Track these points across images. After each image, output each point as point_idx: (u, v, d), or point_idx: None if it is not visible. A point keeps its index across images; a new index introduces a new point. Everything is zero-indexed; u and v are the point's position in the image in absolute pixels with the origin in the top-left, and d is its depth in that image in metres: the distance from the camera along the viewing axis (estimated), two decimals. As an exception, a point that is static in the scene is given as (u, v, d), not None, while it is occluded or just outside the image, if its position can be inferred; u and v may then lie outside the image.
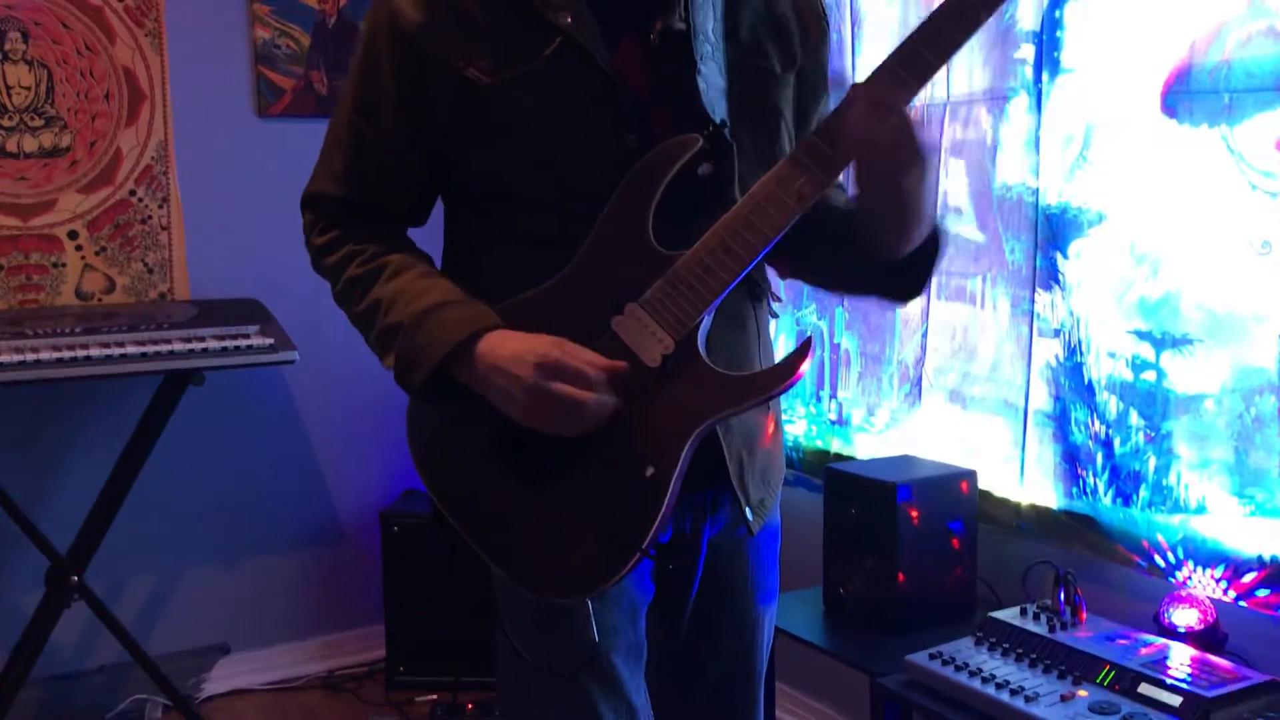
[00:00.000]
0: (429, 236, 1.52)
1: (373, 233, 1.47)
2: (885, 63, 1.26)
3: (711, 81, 1.39)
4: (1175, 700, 1.84)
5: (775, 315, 1.56)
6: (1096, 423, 2.28)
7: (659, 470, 1.31)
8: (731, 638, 1.59)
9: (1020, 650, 2.07)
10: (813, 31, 1.50)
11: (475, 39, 1.36)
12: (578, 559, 1.35)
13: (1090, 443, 2.29)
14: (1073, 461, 2.33)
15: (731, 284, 1.31)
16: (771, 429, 1.56)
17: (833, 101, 1.55)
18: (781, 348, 3.11)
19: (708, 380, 1.33)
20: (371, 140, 1.44)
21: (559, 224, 1.37)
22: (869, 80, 1.27)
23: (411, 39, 1.38)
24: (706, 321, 1.34)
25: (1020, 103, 2.41)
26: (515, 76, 1.35)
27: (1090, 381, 2.29)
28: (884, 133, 1.25)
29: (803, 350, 1.31)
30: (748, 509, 1.48)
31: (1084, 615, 2.14)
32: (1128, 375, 2.22)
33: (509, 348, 1.32)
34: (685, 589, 1.52)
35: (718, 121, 1.38)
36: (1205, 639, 2.03)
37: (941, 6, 1.25)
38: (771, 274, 1.57)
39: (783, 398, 1.51)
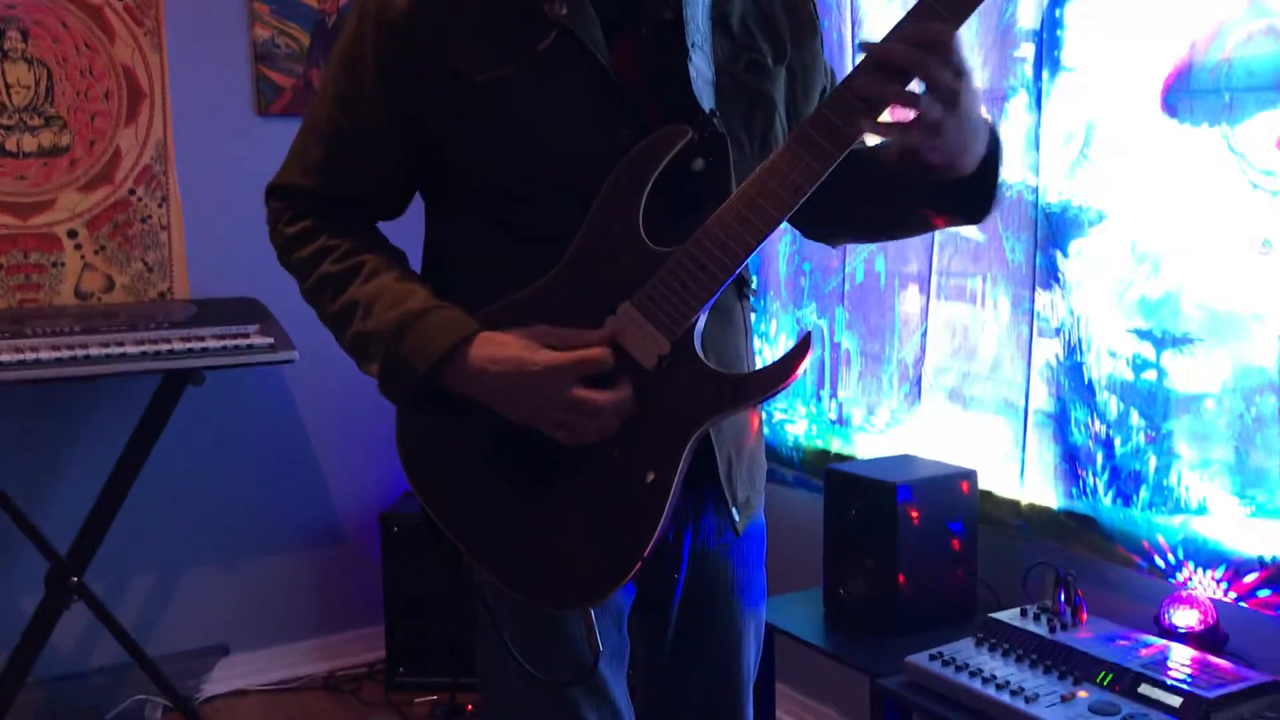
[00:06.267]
0: (409, 231, 1.49)
1: (346, 227, 1.41)
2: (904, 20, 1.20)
3: (701, 71, 1.35)
4: (1175, 701, 1.84)
5: (754, 310, 1.53)
6: (1097, 423, 2.27)
7: (660, 475, 1.28)
8: (716, 646, 1.55)
9: (1020, 651, 2.06)
10: (804, 31, 1.47)
11: (468, 31, 1.31)
12: (578, 567, 1.32)
13: (1090, 443, 2.28)
14: (1073, 462, 2.32)
15: (727, 281, 1.27)
16: (756, 426, 1.54)
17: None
18: (781, 346, 3.11)
19: (706, 381, 1.29)
20: (351, 135, 1.38)
21: (551, 221, 1.33)
22: (887, 38, 1.20)
23: (401, 31, 1.32)
24: (702, 319, 1.30)
25: (1020, 101, 2.40)
26: (510, 71, 1.30)
27: (1090, 381, 2.28)
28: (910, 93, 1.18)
29: (802, 347, 1.28)
30: (734, 509, 1.45)
31: (1084, 616, 2.14)
32: (1128, 375, 2.21)
33: (508, 350, 1.28)
34: (668, 595, 1.50)
35: (706, 111, 1.33)
36: (1206, 640, 2.03)
37: None
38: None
39: (779, 396, 1.49)
